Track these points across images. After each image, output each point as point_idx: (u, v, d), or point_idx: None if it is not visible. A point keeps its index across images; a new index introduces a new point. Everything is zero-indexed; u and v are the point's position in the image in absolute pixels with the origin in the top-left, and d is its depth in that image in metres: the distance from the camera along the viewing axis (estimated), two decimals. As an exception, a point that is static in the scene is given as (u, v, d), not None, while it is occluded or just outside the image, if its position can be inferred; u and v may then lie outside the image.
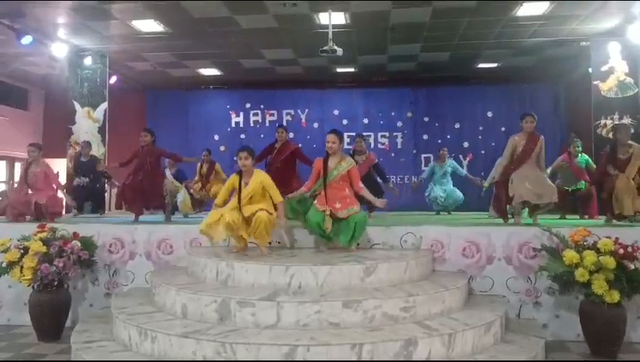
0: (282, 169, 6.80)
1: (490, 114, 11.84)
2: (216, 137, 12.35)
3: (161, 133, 11.82)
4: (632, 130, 6.13)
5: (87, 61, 10.02)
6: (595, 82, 9.19)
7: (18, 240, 4.98)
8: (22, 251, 4.84)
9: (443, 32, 8.99)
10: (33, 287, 4.87)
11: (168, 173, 8.21)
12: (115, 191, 7.78)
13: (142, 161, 6.47)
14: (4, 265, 4.87)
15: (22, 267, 4.77)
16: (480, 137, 11.81)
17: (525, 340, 4.05)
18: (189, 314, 3.90)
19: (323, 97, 12.32)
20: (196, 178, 8.71)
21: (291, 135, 11.54)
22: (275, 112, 12.37)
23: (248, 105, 12.44)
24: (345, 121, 12.06)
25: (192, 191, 8.27)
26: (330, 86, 12.32)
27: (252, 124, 12.36)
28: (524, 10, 7.94)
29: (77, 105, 10.10)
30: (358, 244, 4.97)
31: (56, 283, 4.81)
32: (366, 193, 5.03)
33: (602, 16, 8.19)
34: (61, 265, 4.75)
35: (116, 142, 10.43)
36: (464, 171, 9.30)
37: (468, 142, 11.80)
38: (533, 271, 4.76)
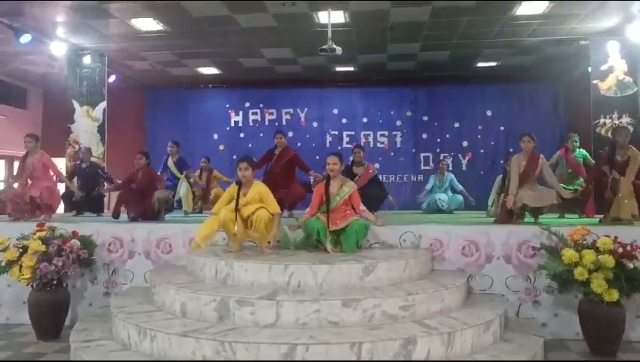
0: (282, 174, 6.86)
1: (489, 113, 11.84)
2: (216, 136, 12.36)
3: (161, 132, 12.01)
4: (632, 130, 6.12)
5: (86, 60, 9.99)
6: (594, 81, 9.18)
7: (17, 239, 4.97)
8: (21, 250, 4.83)
9: (442, 31, 8.98)
10: (32, 286, 4.86)
11: (170, 161, 8.17)
12: (113, 193, 7.72)
13: (139, 185, 6.49)
14: (3, 264, 4.87)
15: (21, 266, 4.76)
16: (479, 136, 11.81)
17: (524, 339, 4.05)
18: (189, 313, 3.89)
19: (322, 96, 12.32)
20: (197, 172, 8.71)
21: (290, 134, 11.59)
22: (274, 111, 12.37)
23: (247, 105, 12.44)
24: (344, 120, 12.08)
25: (191, 180, 8.24)
26: (330, 85, 12.32)
27: (251, 123, 12.36)
28: (523, 9, 7.94)
29: (76, 104, 10.07)
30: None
31: (55, 282, 4.80)
32: (367, 215, 5.02)
33: (601, 16, 8.19)
34: (60, 264, 4.74)
35: (115, 141, 10.44)
36: (460, 186, 9.36)
37: (467, 142, 11.81)
38: (533, 270, 4.76)
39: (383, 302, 3.75)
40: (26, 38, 8.40)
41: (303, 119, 12.27)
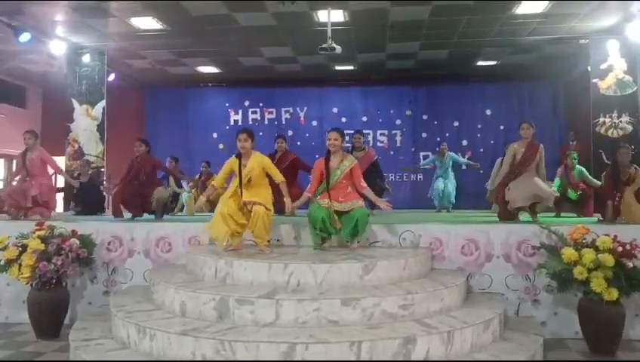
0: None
1: (489, 112, 11.85)
2: (215, 135, 12.35)
3: (160, 131, 12.00)
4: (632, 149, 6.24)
5: (86, 59, 9.98)
6: (593, 80, 9.18)
7: (16, 238, 4.97)
8: (20, 249, 4.83)
9: (442, 30, 8.98)
10: (32, 285, 4.85)
11: (172, 181, 8.15)
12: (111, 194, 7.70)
13: (137, 171, 6.39)
14: (2, 262, 4.87)
15: (20, 265, 4.76)
16: (479, 135, 11.82)
17: (524, 338, 4.05)
18: (188, 312, 3.89)
19: (322, 95, 12.32)
20: (191, 184, 8.74)
21: (290, 133, 11.58)
22: (273, 110, 12.38)
23: (247, 103, 12.44)
24: (344, 119, 12.07)
25: (190, 186, 8.31)
26: (329, 84, 12.32)
27: (251, 122, 12.34)
28: (523, 8, 7.95)
29: (75, 103, 10.06)
30: (358, 242, 4.96)
31: (54, 281, 4.80)
32: (369, 193, 5.01)
33: (601, 15, 8.19)
34: (59, 263, 4.74)
35: (115, 140, 10.42)
36: (463, 160, 9.57)
37: (467, 140, 11.81)
38: (532, 269, 4.76)
39: (382, 301, 3.75)
40: (25, 37, 8.40)
41: (302, 118, 12.27)
